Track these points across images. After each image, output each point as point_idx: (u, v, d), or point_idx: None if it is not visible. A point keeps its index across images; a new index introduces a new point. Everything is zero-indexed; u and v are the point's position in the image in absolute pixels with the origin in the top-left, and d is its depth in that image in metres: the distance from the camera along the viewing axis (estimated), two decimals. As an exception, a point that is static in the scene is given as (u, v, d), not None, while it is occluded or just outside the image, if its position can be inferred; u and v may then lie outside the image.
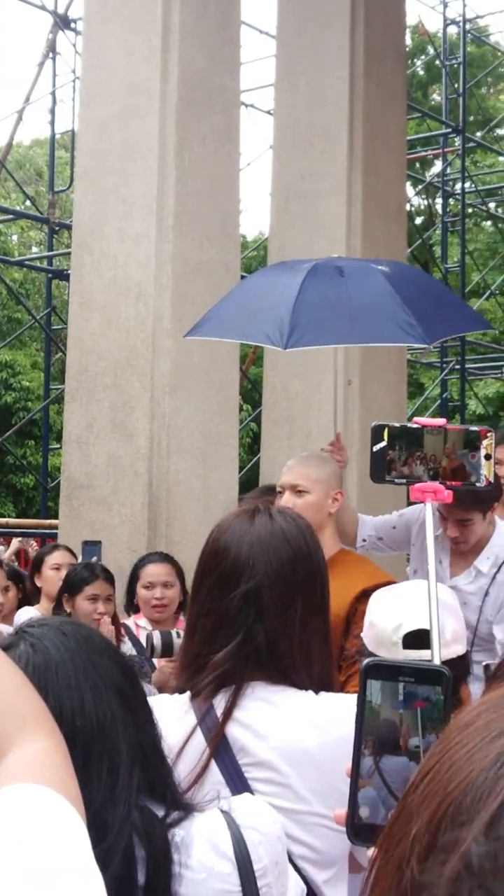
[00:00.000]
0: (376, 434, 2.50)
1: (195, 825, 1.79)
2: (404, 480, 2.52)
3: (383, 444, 2.51)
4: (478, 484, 2.57)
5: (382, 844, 0.73)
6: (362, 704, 1.23)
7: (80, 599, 5.15)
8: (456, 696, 2.49)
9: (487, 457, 2.60)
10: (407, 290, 4.88)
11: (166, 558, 5.64)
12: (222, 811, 1.88)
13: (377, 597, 2.79)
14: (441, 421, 2.57)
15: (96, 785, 1.63)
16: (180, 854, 1.73)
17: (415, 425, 2.54)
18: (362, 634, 2.71)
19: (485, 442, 2.48)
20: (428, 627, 2.62)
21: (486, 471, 2.60)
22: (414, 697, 1.22)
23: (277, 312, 4.75)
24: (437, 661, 2.42)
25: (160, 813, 1.76)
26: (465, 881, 0.64)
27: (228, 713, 2.24)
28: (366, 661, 1.24)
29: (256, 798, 2.00)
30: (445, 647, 2.62)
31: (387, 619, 2.67)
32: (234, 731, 2.24)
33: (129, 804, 1.68)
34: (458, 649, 2.67)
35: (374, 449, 2.52)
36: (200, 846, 1.76)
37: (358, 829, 1.27)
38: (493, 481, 2.66)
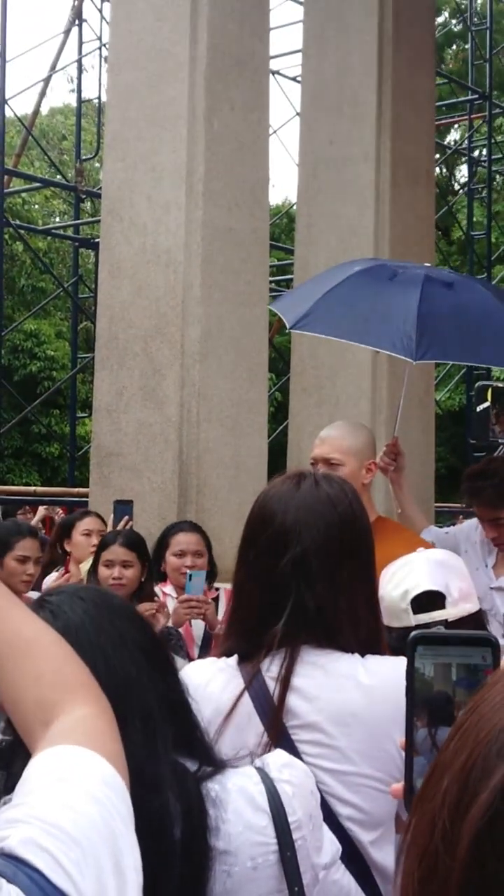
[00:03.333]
0: (480, 394, 2.49)
1: (230, 780, 1.81)
2: None
3: (487, 404, 2.50)
4: None
5: (417, 804, 0.75)
6: (411, 677, 1.23)
7: (100, 565, 5.17)
8: None
9: None
10: None
11: (196, 528, 5.67)
12: (256, 767, 1.90)
13: (385, 571, 2.82)
14: None
15: (133, 739, 1.65)
16: (216, 808, 1.75)
17: None
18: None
19: None
20: (433, 588, 2.65)
21: None
22: (466, 668, 1.22)
23: (400, 322, 4.78)
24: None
25: (192, 768, 1.79)
26: (489, 828, 0.66)
27: (287, 681, 2.26)
28: (413, 633, 1.25)
29: (287, 754, 2.03)
30: (453, 606, 2.66)
31: (394, 589, 2.70)
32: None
33: (165, 758, 1.70)
34: (468, 607, 2.70)
35: (478, 409, 2.51)
36: (236, 800, 1.78)
37: None
38: None
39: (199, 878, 1.69)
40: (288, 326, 5.18)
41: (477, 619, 2.76)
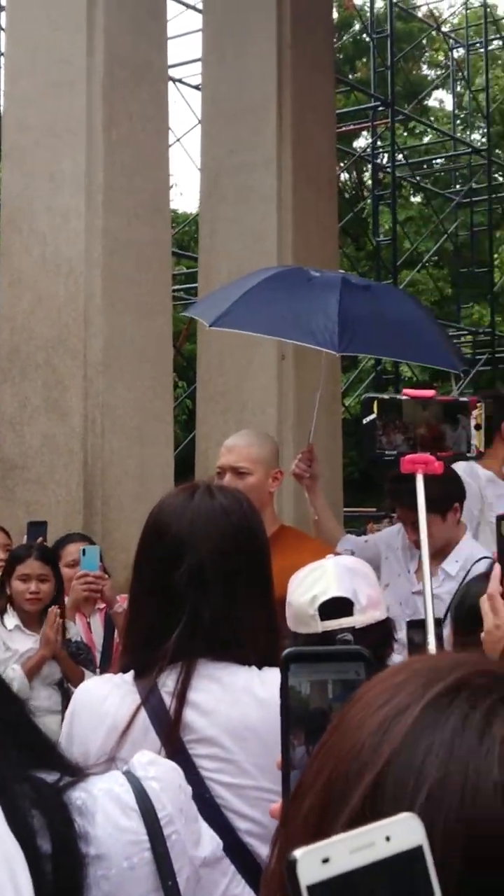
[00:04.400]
0: (366, 406, 2.47)
1: (96, 786, 1.78)
2: (395, 452, 2.49)
3: (373, 416, 2.48)
4: (468, 454, 2.55)
5: (283, 824, 0.74)
6: (285, 695, 1.21)
7: (14, 579, 5.11)
8: (381, 662, 2.50)
9: (478, 427, 2.58)
10: (429, 315, 5.37)
11: (85, 538, 5.70)
12: (122, 771, 1.88)
13: (294, 577, 2.80)
14: (431, 392, 2.54)
15: None
16: (83, 815, 1.72)
17: (404, 396, 2.51)
18: (287, 616, 2.73)
19: (475, 412, 2.46)
20: (342, 595, 2.63)
21: (478, 441, 2.59)
22: (342, 684, 1.21)
23: (320, 317, 4.80)
24: (431, 646, 2.40)
25: (51, 780, 1.76)
26: None
27: (182, 696, 2.23)
28: (285, 651, 1.23)
29: (151, 753, 2.00)
30: (361, 613, 2.64)
31: (302, 595, 2.67)
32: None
33: (19, 776, 1.67)
34: (376, 614, 2.67)
35: (365, 421, 2.49)
36: (104, 803, 1.75)
37: None
38: (483, 451, 2.64)
39: (75, 888, 1.66)
40: (207, 325, 5.19)
41: (384, 627, 2.74)
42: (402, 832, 0.65)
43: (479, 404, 2.48)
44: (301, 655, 1.22)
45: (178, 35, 15.61)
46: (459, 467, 4.80)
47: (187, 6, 15.42)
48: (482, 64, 21.68)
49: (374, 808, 0.68)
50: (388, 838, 0.65)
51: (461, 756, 0.74)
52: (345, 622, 2.62)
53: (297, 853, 0.62)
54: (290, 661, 1.21)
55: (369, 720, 0.75)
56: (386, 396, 2.50)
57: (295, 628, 2.67)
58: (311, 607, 2.63)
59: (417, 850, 0.66)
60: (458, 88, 24.56)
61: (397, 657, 2.76)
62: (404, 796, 0.68)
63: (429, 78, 29.33)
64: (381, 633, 2.69)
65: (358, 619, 2.64)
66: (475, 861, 0.67)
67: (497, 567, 2.35)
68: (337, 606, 2.65)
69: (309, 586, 2.70)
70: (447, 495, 4.39)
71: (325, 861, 0.64)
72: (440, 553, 4.53)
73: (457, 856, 0.67)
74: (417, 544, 4.61)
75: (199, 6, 10.16)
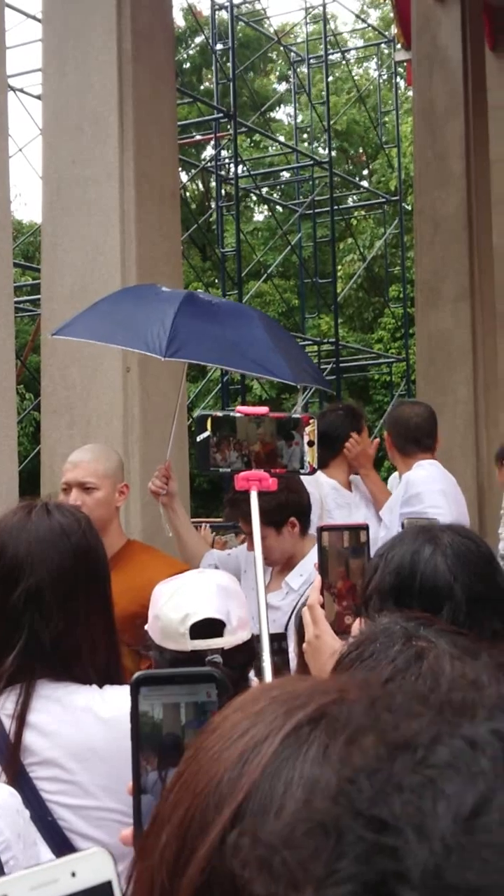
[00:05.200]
0: (200, 424, 2.46)
1: None
2: (229, 469, 2.49)
3: (207, 433, 2.48)
4: (302, 471, 2.56)
5: (138, 857, 0.72)
6: (136, 720, 1.20)
7: None
8: (244, 682, 2.50)
9: (311, 443, 2.59)
10: (275, 332, 5.40)
11: None
12: None
13: (160, 589, 2.75)
14: (264, 409, 2.55)
15: None
16: None
17: (238, 414, 2.51)
18: (147, 628, 2.69)
19: (307, 429, 2.47)
20: (215, 616, 2.61)
21: (310, 457, 2.60)
22: (194, 707, 1.20)
23: (156, 326, 4.86)
24: (266, 663, 2.40)
25: None
26: (207, 886, 0.64)
27: (22, 718, 2.20)
28: (136, 675, 1.22)
29: None
30: (231, 634, 2.61)
31: (173, 611, 2.63)
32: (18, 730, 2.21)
33: None
34: (243, 635, 2.66)
35: (199, 439, 2.48)
36: None
37: None
38: (316, 468, 2.65)
39: None
40: (49, 335, 5.24)
41: (250, 647, 2.73)
42: (89, 868, 0.65)
43: (311, 421, 2.50)
44: (152, 678, 1.21)
45: (19, 45, 15.47)
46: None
47: (27, 15, 15.28)
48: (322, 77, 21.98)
49: None
50: (73, 874, 0.65)
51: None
52: (214, 643, 2.58)
53: None
54: (140, 685, 1.20)
55: (227, 752, 0.72)
56: (219, 413, 2.50)
57: (161, 643, 2.63)
58: (183, 625, 2.58)
59: (106, 886, 0.66)
60: (301, 102, 24.86)
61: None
62: None
63: (275, 90, 29.62)
64: (247, 653, 2.68)
65: (228, 640, 2.60)
66: None
67: (317, 577, 2.37)
68: (206, 625, 2.61)
69: (180, 602, 2.64)
70: (280, 508, 4.35)
71: None
72: (287, 566, 4.54)
73: None
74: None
75: (40, 15, 10.07)
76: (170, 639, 2.61)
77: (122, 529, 4.38)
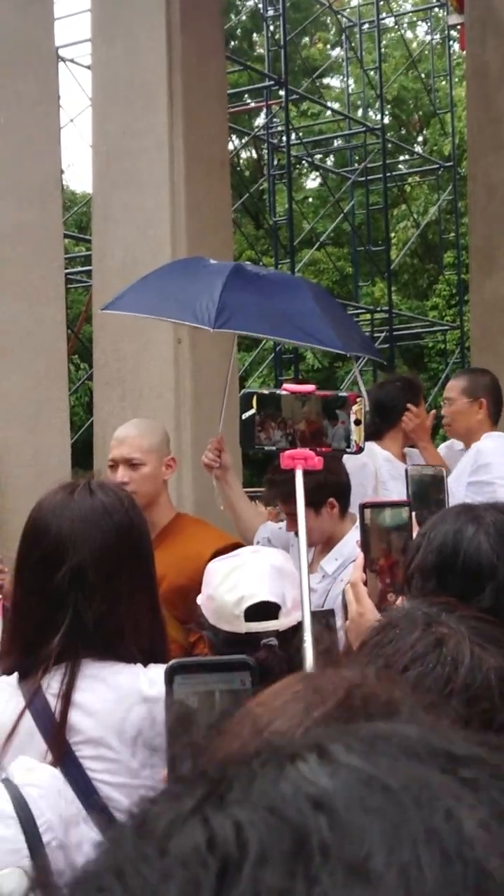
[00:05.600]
0: (245, 402, 2.44)
1: None
2: (274, 447, 2.46)
3: (252, 411, 2.45)
4: (348, 450, 2.53)
5: None
6: (170, 707, 1.20)
7: None
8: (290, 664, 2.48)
9: (357, 422, 2.55)
10: (325, 301, 5.35)
11: None
12: (1, 779, 1.86)
13: (214, 568, 2.71)
14: (311, 387, 2.51)
15: None
16: None
17: (284, 392, 2.49)
18: (200, 604, 2.67)
19: (354, 407, 2.43)
20: (271, 599, 2.58)
21: (357, 436, 2.56)
22: (230, 694, 1.19)
23: (204, 298, 4.85)
24: (308, 644, 2.38)
25: None
26: None
27: (68, 697, 2.20)
28: (170, 663, 1.21)
29: (30, 759, 1.98)
30: (286, 616, 2.58)
31: (227, 593, 2.60)
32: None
33: None
34: (297, 615, 2.62)
35: (243, 417, 2.46)
36: None
37: None
38: (363, 447, 2.62)
39: None
40: (100, 310, 5.25)
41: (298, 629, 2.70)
42: (4, 884, 0.64)
43: (358, 399, 2.46)
44: (186, 666, 1.21)
45: (69, 15, 15.44)
46: None
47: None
48: (374, 44, 21.73)
49: None
50: None
51: None
52: (269, 626, 2.56)
53: None
54: (174, 673, 1.19)
55: (252, 743, 0.72)
56: (265, 391, 2.47)
57: (216, 623, 2.60)
58: (238, 608, 2.55)
59: None
60: (353, 69, 24.62)
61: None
62: None
63: (328, 55, 29.33)
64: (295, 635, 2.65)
65: (282, 623, 2.57)
66: None
67: (360, 555, 2.34)
68: (263, 607, 2.59)
69: (235, 584, 2.60)
70: (319, 488, 4.26)
71: None
72: (326, 547, 4.48)
73: None
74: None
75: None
76: (224, 620, 2.58)
77: (171, 503, 4.36)
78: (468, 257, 12.57)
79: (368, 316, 20.95)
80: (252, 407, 2.42)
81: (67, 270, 15.87)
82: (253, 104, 22.62)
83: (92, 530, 2.26)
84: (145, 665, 2.26)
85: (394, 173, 23.38)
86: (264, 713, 0.76)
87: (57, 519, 2.27)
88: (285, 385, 2.53)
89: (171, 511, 4.30)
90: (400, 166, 26.77)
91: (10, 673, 2.29)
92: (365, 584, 2.30)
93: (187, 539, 4.01)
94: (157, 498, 4.14)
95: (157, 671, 2.25)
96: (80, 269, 17.49)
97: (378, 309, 20.80)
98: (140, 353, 7.60)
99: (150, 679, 2.23)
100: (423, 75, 24.70)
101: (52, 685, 2.22)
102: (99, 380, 8.10)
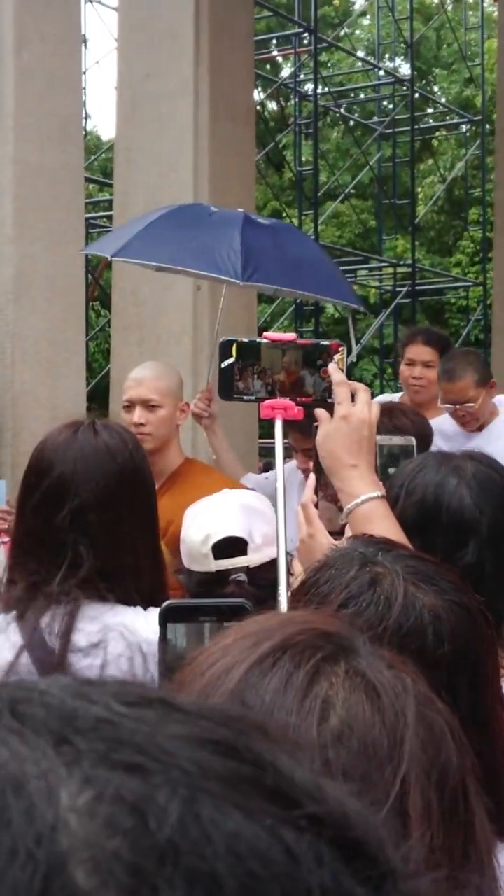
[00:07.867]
0: (224, 350, 2.41)
1: None
2: (253, 397, 2.43)
3: (231, 360, 2.42)
4: (329, 400, 2.50)
5: None
6: (164, 650, 1.19)
7: None
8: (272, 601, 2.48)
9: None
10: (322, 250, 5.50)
11: None
12: None
13: (187, 512, 2.74)
14: (291, 335, 2.48)
15: None
16: None
17: (264, 340, 2.45)
18: (181, 552, 2.68)
19: (336, 357, 2.40)
20: (236, 534, 2.59)
21: None
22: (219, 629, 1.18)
23: (223, 248, 4.76)
24: (282, 588, 2.36)
25: None
26: None
27: (67, 637, 2.20)
28: (164, 604, 1.20)
29: None
30: (256, 552, 2.60)
31: (195, 532, 2.62)
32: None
33: None
34: (271, 552, 2.62)
35: (222, 365, 2.43)
36: None
37: None
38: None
39: None
40: (108, 257, 5.13)
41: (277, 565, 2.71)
42: None
43: (340, 349, 2.42)
44: (181, 608, 1.20)
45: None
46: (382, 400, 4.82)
47: None
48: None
49: None
50: None
51: (281, 717, 0.73)
52: (238, 562, 2.59)
53: None
54: (168, 614, 1.19)
55: (195, 683, 0.74)
56: (245, 339, 2.43)
57: (189, 565, 2.64)
58: (205, 546, 2.59)
59: None
60: (382, 18, 24.29)
61: None
62: None
63: (355, 6, 29.00)
64: (273, 571, 2.66)
65: (252, 559, 2.60)
66: None
67: (311, 476, 2.32)
68: (231, 544, 2.61)
69: (203, 524, 2.65)
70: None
71: None
72: None
73: None
74: (307, 472, 4.59)
75: None
76: (195, 561, 2.61)
77: (181, 448, 4.35)
78: (493, 214, 12.44)
79: (391, 270, 20.82)
80: (231, 355, 2.38)
81: (92, 215, 15.81)
82: (276, 53, 22.36)
83: (94, 471, 2.24)
84: (145, 609, 2.26)
85: (421, 126, 23.13)
86: (213, 652, 0.79)
87: (60, 458, 2.26)
88: (266, 334, 2.49)
89: (180, 456, 4.29)
90: (428, 120, 26.50)
91: (8, 611, 2.28)
92: (316, 506, 2.27)
93: (193, 486, 3.99)
94: (169, 442, 4.13)
95: (156, 614, 2.24)
96: (103, 213, 17.40)
97: (401, 263, 20.65)
98: (160, 297, 7.56)
99: (149, 622, 2.22)
100: (454, 24, 24.37)
101: (51, 625, 2.22)
102: (117, 324, 8.08)
